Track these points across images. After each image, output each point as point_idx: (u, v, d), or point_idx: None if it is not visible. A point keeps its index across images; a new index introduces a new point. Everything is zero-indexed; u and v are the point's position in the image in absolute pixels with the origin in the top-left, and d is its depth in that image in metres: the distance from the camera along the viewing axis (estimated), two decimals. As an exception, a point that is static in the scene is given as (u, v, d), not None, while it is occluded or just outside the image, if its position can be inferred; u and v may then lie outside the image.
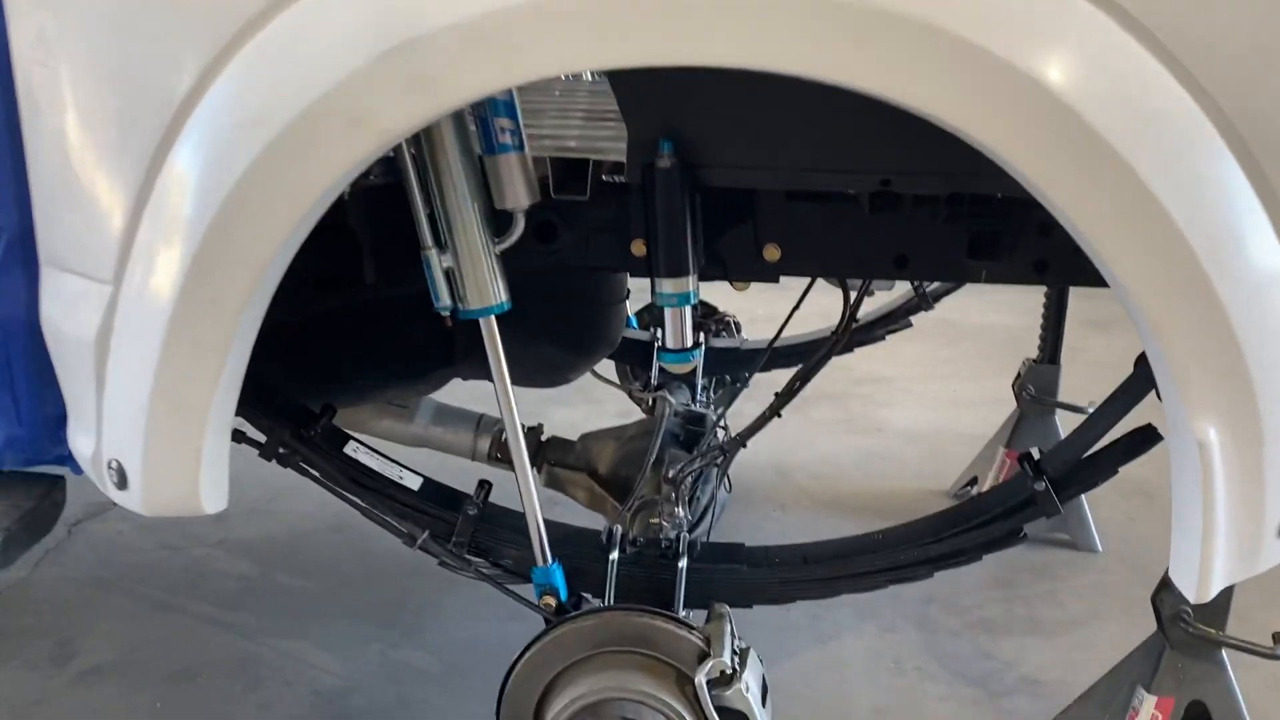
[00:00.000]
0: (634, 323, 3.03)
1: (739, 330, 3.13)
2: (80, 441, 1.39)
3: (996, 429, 3.01)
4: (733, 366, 2.99)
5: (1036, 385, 2.80)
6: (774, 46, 1.07)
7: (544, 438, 2.37)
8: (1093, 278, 1.73)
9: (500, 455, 2.38)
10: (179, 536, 2.80)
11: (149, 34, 1.16)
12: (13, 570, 2.60)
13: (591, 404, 3.65)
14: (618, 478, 2.29)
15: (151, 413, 1.24)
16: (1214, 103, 1.07)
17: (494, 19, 1.05)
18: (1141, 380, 1.73)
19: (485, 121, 1.46)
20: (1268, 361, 1.13)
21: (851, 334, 2.91)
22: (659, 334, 2.89)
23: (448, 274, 1.53)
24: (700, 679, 1.53)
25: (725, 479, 2.27)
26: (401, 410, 2.36)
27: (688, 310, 1.60)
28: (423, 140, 1.45)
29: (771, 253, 1.72)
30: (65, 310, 1.32)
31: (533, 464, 2.35)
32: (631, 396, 3.07)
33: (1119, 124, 1.05)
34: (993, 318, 4.70)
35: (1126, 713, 1.85)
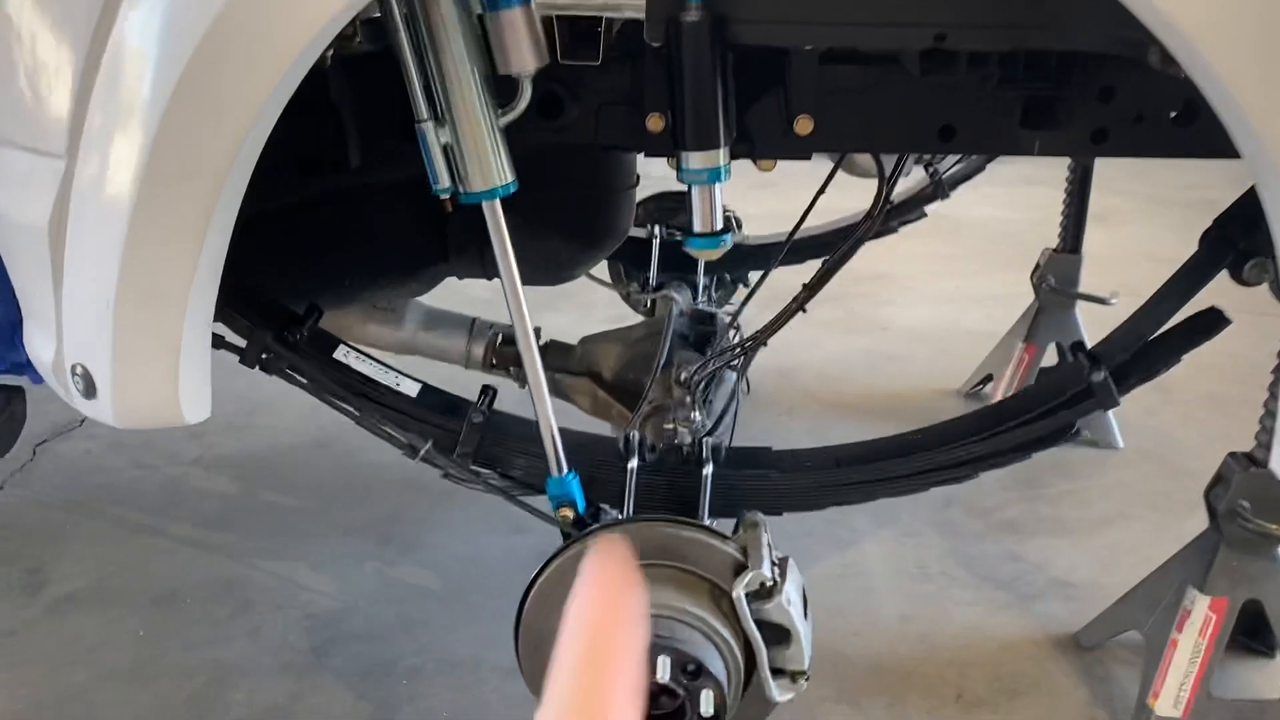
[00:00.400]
0: (630, 219, 2.86)
1: (740, 226, 2.96)
2: (38, 345, 1.22)
3: (1004, 325, 2.88)
4: (735, 264, 2.83)
5: (1057, 276, 2.66)
6: None
7: (541, 342, 2.21)
8: (1153, 148, 1.59)
9: (496, 361, 2.23)
10: (152, 455, 2.63)
11: None
12: (-25, 494, 2.44)
13: (581, 309, 3.49)
14: (624, 382, 2.15)
15: (119, 307, 1.06)
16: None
17: None
18: (1208, 259, 1.59)
19: (483, -26, 1.27)
20: None
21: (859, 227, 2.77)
22: (658, 229, 2.73)
23: (446, 151, 1.35)
24: (739, 592, 1.40)
25: (744, 379, 2.12)
26: (389, 315, 2.20)
27: (718, 189, 1.43)
28: (415, -2, 1.26)
29: (804, 125, 1.54)
30: (13, 193, 1.14)
31: (530, 369, 2.20)
32: (628, 299, 2.91)
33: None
34: (989, 212, 4.56)
35: (1177, 613, 1.75)
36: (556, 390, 2.24)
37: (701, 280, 2.71)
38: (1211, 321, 1.57)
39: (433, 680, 1.88)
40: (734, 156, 1.61)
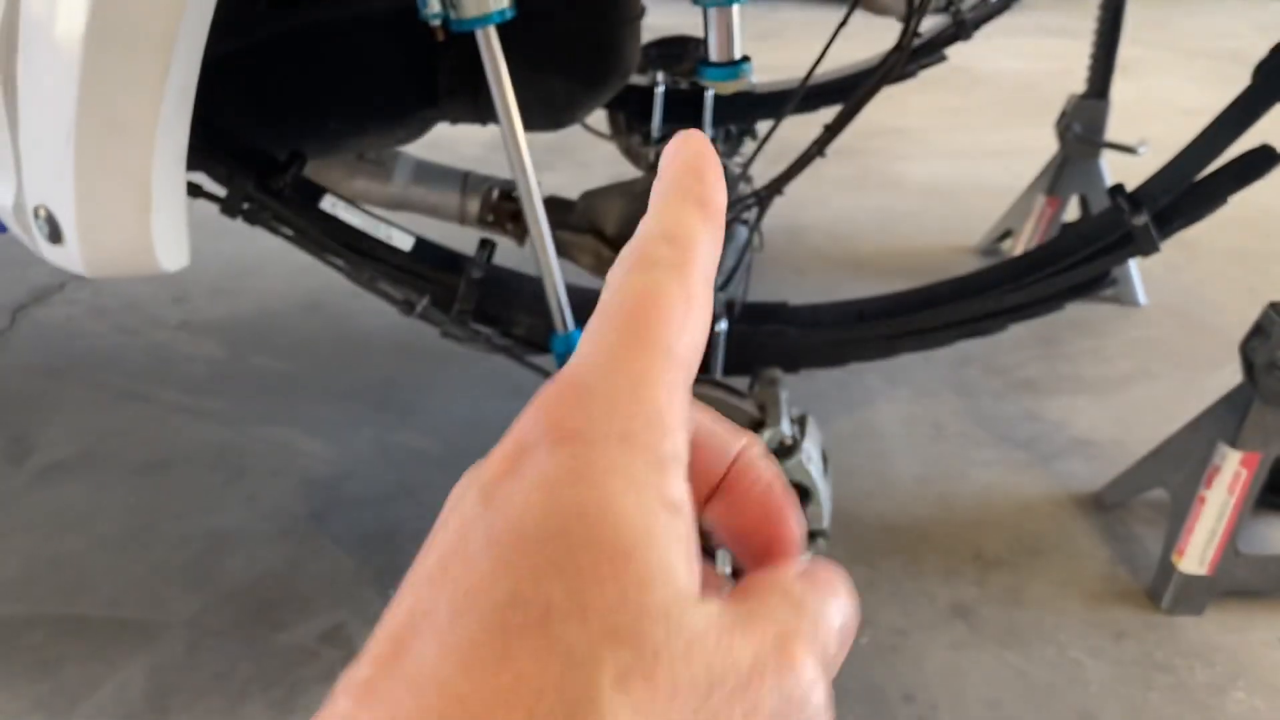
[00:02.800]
0: (630, 67, 2.70)
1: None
2: (-8, 188, 1.10)
3: (1022, 180, 2.76)
4: (742, 113, 2.68)
5: (1083, 122, 2.53)
6: None
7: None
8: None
9: (492, 217, 2.11)
10: (136, 319, 2.53)
11: None
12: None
13: (578, 166, 3.35)
14: (628, 238, 2.03)
15: (80, 139, 0.95)
16: None
17: None
18: (1264, 92, 1.47)
19: None
20: None
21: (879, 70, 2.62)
22: (660, 76, 2.57)
23: (436, -30, 1.22)
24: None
25: (758, 234, 2.01)
26: (377, 168, 2.07)
27: (736, 10, 1.30)
28: None
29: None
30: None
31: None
32: (629, 153, 2.77)
33: None
34: (1006, 63, 4.37)
35: (1206, 469, 1.69)
36: (558, 248, 2.13)
37: (709, 131, 2.57)
38: (1264, 159, 1.46)
39: (435, 545, 1.82)
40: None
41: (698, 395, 1.09)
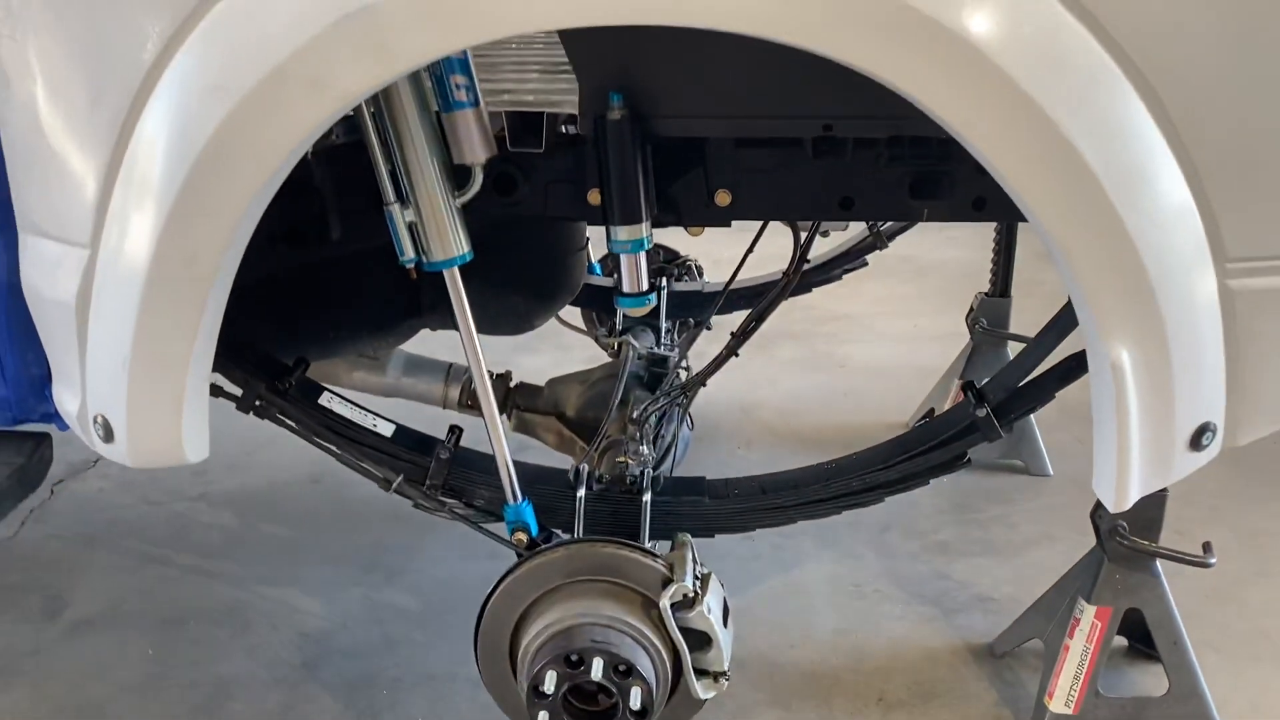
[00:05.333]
0: (597, 269, 3.10)
1: (701, 274, 3.21)
2: (66, 399, 1.46)
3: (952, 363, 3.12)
4: (695, 309, 3.06)
5: (989, 318, 2.90)
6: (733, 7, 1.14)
7: (512, 383, 2.44)
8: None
9: (471, 402, 2.45)
10: (159, 492, 2.87)
11: (113, 6, 1.21)
12: (-1, 530, 2.68)
13: (560, 350, 3.73)
14: (585, 420, 2.37)
15: (133, 368, 1.31)
16: (1123, 51, 1.15)
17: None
18: (1073, 311, 1.82)
19: (441, 79, 1.52)
20: (1174, 290, 1.23)
21: (809, 274, 3.01)
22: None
23: (411, 228, 1.60)
24: (664, 603, 1.63)
25: (688, 417, 2.35)
26: (374, 362, 2.43)
27: (642, 256, 1.67)
28: (381, 99, 1.50)
29: (723, 198, 1.79)
30: (45, 274, 1.38)
31: (502, 409, 2.43)
32: (598, 342, 3.14)
33: (1030, 69, 1.12)
34: (950, 253, 4.79)
35: (1069, 621, 1.97)
36: (526, 428, 2.47)
37: (664, 324, 2.94)
38: (1080, 363, 1.80)
39: (411, 690, 2.10)
40: (664, 224, 1.87)
41: (619, 556, 1.42)
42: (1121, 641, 2.16)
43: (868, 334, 4.00)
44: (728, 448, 3.11)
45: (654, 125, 1.59)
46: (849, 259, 2.93)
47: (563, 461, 2.18)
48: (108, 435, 1.39)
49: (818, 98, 1.55)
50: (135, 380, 1.32)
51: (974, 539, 2.63)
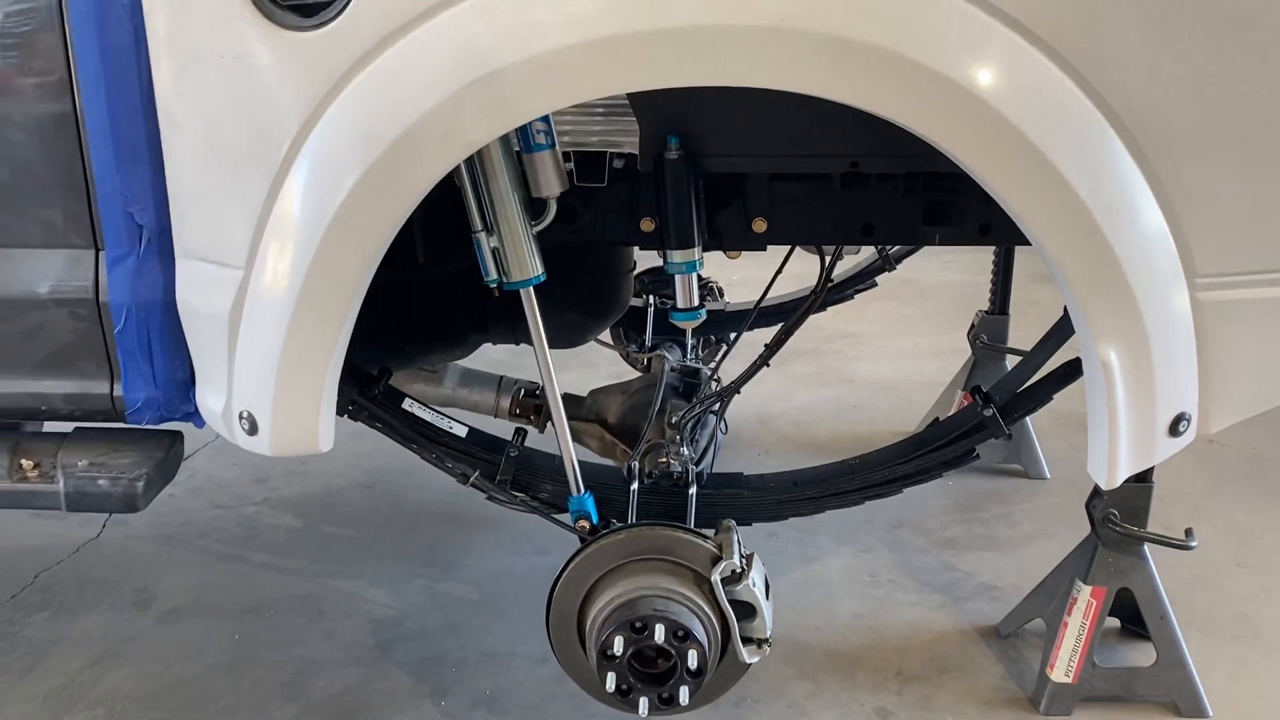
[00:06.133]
0: (627, 291, 3.36)
1: (722, 295, 3.46)
2: (210, 399, 1.70)
3: (954, 376, 3.37)
4: (717, 327, 3.32)
5: (988, 334, 3.16)
6: (771, 71, 1.39)
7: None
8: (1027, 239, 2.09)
9: (519, 411, 2.69)
10: (226, 497, 3.11)
11: (273, 71, 1.46)
12: (85, 530, 2.91)
13: (586, 367, 3.98)
14: (626, 426, 2.62)
15: (280, 370, 1.55)
16: (1106, 103, 1.41)
17: (555, 55, 1.36)
18: (1068, 323, 2.07)
19: (525, 126, 1.77)
20: (1153, 301, 1.48)
21: (826, 293, 3.27)
22: (652, 299, 3.23)
23: (494, 252, 1.84)
24: (715, 577, 1.86)
25: (723, 421, 2.60)
26: (432, 375, 2.67)
27: (694, 276, 1.93)
28: (472, 141, 1.75)
29: (759, 225, 2.05)
30: (201, 292, 1.63)
31: (549, 418, 2.68)
32: (627, 358, 3.39)
33: (1031, 118, 1.38)
34: (949, 276, 5.07)
35: (1067, 601, 2.21)
36: (571, 434, 2.71)
37: (689, 341, 3.19)
38: (1075, 368, 2.05)
39: (476, 667, 2.33)
40: (706, 249, 2.13)
41: (674, 537, 1.68)
42: (1115, 623, 2.40)
43: (873, 351, 4.26)
44: (749, 455, 3.35)
45: (704, 163, 1.84)
46: (861, 280, 3.19)
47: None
48: (252, 429, 1.63)
49: (847, 139, 1.80)
50: (282, 381, 1.56)
51: (978, 535, 2.88)
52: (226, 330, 1.60)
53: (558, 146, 1.81)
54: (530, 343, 1.95)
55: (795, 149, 1.83)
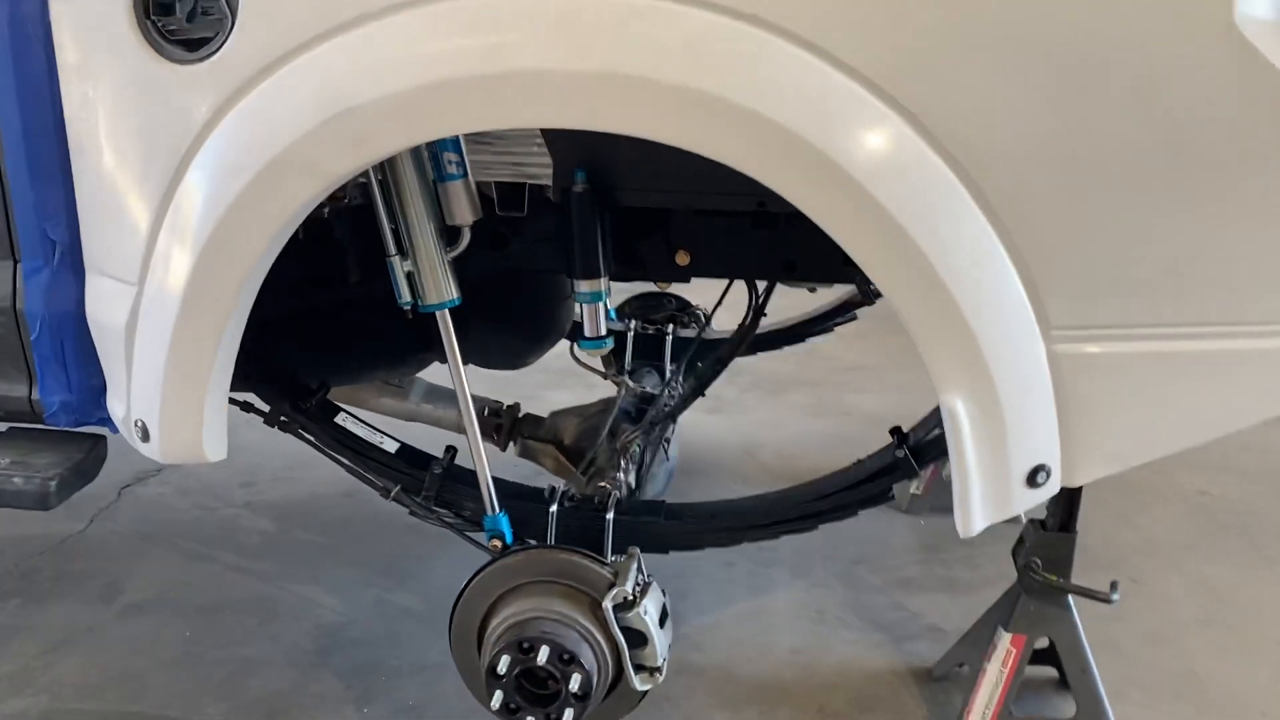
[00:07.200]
0: (613, 314, 3.40)
1: (709, 322, 3.48)
2: (116, 406, 1.80)
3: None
4: (700, 354, 3.33)
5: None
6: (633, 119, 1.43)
7: (520, 414, 2.74)
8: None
9: (481, 428, 2.75)
10: (212, 498, 3.23)
11: (160, 102, 1.55)
12: (73, 523, 3.05)
13: (585, 387, 4.02)
14: (579, 448, 2.66)
15: (165, 381, 1.63)
16: (943, 147, 1.41)
17: (408, 94, 1.42)
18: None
19: (436, 155, 1.84)
20: (1002, 351, 1.48)
21: (803, 326, 3.29)
22: (632, 324, 3.26)
23: (409, 276, 1.90)
24: (606, 603, 1.90)
25: (664, 448, 2.63)
26: (398, 390, 2.76)
27: (600, 306, 1.97)
28: (387, 169, 1.82)
29: (682, 257, 2.08)
30: (103, 305, 1.73)
31: (509, 437, 2.74)
32: (614, 381, 3.43)
33: (860, 160, 1.39)
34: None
35: (987, 647, 2.19)
36: (529, 454, 2.77)
37: (668, 367, 3.22)
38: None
39: (407, 678, 2.39)
40: (630, 279, 2.17)
41: (572, 561, 1.72)
42: (1052, 672, 2.36)
43: (877, 384, 4.23)
44: (725, 483, 3.37)
45: (615, 196, 1.88)
46: (841, 313, 3.19)
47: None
48: (145, 436, 1.71)
49: (751, 180, 1.83)
50: (166, 391, 1.64)
51: (937, 576, 2.85)
52: (124, 341, 1.69)
53: (470, 177, 1.87)
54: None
55: (704, 186, 1.86)
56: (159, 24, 1.53)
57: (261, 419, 2.18)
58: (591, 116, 1.42)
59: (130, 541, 2.99)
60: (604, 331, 1.99)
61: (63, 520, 3.06)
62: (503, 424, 2.73)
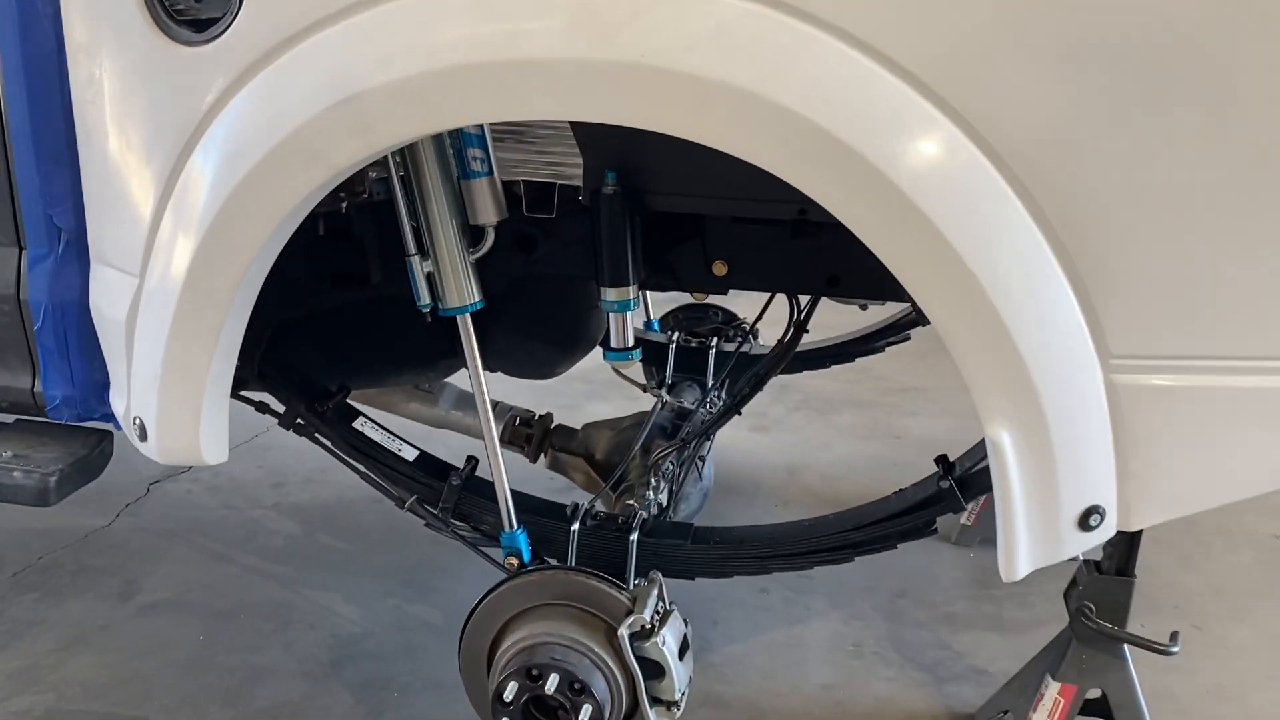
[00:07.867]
0: (656, 326, 3.30)
1: (756, 336, 3.35)
2: (117, 402, 1.73)
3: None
4: (743, 370, 3.21)
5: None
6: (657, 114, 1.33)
7: (551, 425, 2.64)
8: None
9: (511, 439, 2.66)
10: (239, 498, 3.17)
11: (166, 84, 1.48)
12: (100, 518, 3.01)
13: (628, 400, 3.92)
14: (610, 463, 2.56)
15: (163, 378, 1.56)
16: (1002, 160, 1.28)
17: (417, 81, 1.33)
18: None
19: (460, 151, 1.74)
20: (1055, 382, 1.34)
21: (852, 345, 3.15)
22: (675, 336, 3.15)
23: (429, 277, 1.81)
24: (623, 631, 1.78)
25: (696, 467, 2.51)
26: (428, 395, 2.67)
27: (628, 315, 1.86)
28: (409, 163, 1.73)
29: (719, 268, 1.97)
30: (106, 296, 1.66)
31: (540, 449, 2.64)
32: (653, 394, 3.32)
33: (907, 169, 1.27)
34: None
35: (1035, 697, 2.04)
36: (559, 467, 2.67)
37: (710, 381, 3.10)
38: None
39: (419, 695, 2.30)
40: (661, 289, 2.06)
41: (588, 585, 1.61)
42: (1104, 726, 2.20)
43: (931, 407, 4.07)
44: (764, 505, 3.23)
45: (646, 200, 1.77)
46: (894, 332, 3.05)
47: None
48: (143, 434, 1.64)
49: (791, 185, 1.71)
50: (164, 390, 1.57)
51: (985, 613, 2.69)
52: (125, 334, 1.62)
53: (495, 174, 1.78)
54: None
55: (741, 191, 1.75)
56: (167, 3, 1.46)
57: (277, 420, 2.10)
58: (612, 109, 1.32)
59: (154, 539, 2.94)
60: (630, 342, 1.88)
61: (90, 514, 3.03)
62: (533, 434, 2.63)
